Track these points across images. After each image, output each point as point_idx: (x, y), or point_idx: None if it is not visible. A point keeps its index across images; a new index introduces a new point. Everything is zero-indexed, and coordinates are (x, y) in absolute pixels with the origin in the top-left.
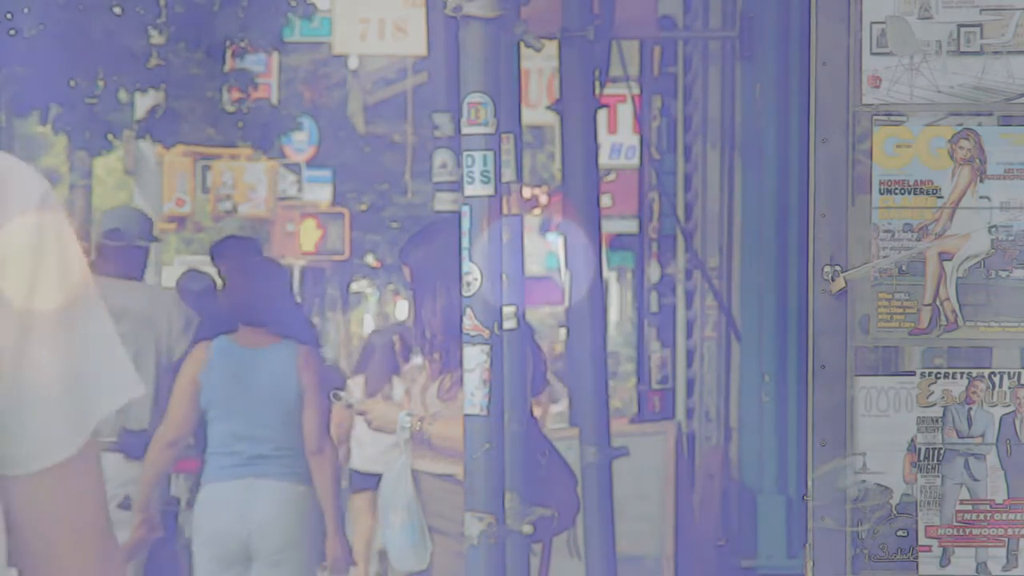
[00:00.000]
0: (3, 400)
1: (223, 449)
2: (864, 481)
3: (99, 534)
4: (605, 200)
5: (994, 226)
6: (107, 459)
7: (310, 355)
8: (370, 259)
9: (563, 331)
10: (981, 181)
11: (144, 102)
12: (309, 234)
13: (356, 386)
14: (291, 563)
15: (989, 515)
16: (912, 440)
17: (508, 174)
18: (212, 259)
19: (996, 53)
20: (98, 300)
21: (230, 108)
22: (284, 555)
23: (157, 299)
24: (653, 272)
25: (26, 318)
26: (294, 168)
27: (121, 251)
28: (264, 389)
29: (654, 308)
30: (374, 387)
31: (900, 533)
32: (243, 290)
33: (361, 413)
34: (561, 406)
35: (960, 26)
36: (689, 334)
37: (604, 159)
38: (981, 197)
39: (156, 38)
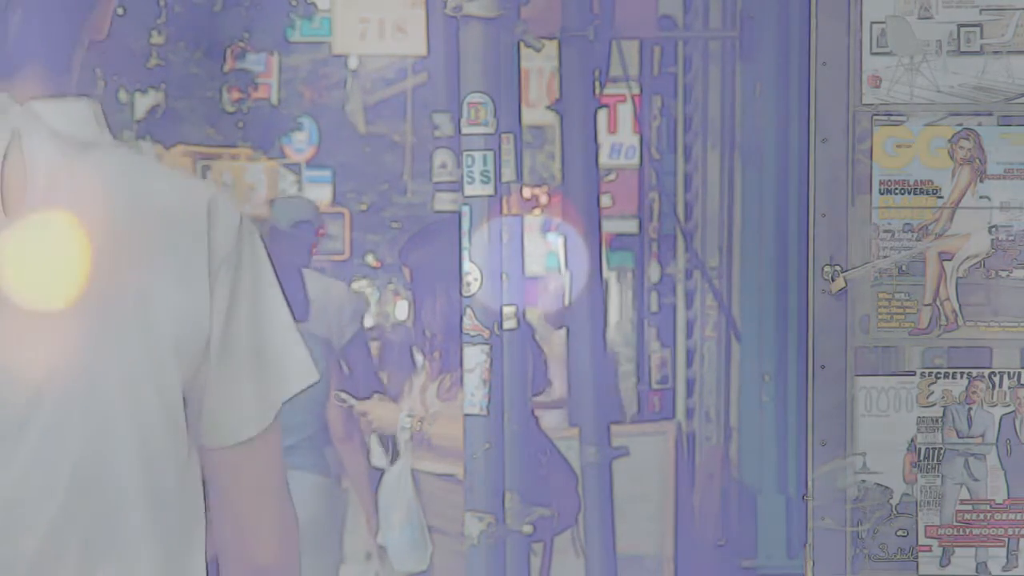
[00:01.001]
0: (208, 380)
1: None
2: (864, 481)
3: (281, 501)
4: (605, 200)
5: (994, 226)
6: None
7: (329, 347)
8: (370, 259)
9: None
10: (981, 181)
11: (144, 102)
12: None
13: None
14: (322, 555)
15: (989, 515)
16: (912, 440)
17: (508, 174)
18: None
19: (996, 53)
20: (280, 296)
21: (230, 108)
22: (313, 547)
23: (329, 288)
24: (653, 272)
25: (230, 311)
26: (294, 168)
27: (295, 240)
28: None
29: (654, 308)
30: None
31: (900, 533)
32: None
33: (362, 414)
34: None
35: (960, 26)
36: (689, 334)
37: (604, 159)
38: (981, 197)
39: (156, 38)
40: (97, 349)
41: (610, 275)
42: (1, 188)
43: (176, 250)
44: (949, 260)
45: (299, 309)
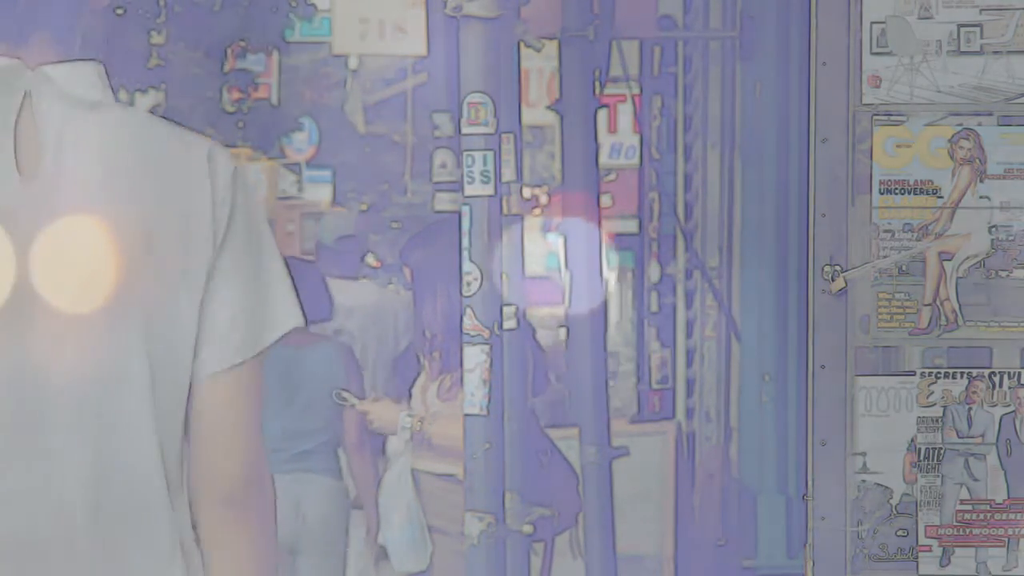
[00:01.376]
0: (202, 307)
1: (274, 445)
2: (864, 481)
3: (253, 436)
4: (605, 200)
5: (994, 226)
6: None
7: (351, 354)
8: (370, 259)
9: (563, 331)
10: (981, 181)
11: (144, 102)
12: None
13: None
14: (332, 556)
15: (989, 515)
16: (912, 440)
17: (508, 174)
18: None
19: (996, 53)
20: (272, 240)
21: (230, 108)
22: (326, 548)
23: (384, 297)
24: (653, 272)
25: (224, 244)
26: (294, 168)
27: (344, 254)
28: (309, 387)
29: (654, 308)
30: None
31: (900, 533)
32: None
33: (363, 413)
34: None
35: (960, 26)
36: (689, 334)
37: (604, 159)
38: (981, 197)
39: (156, 38)
40: (115, 329)
41: (610, 275)
42: (15, 147)
43: (180, 193)
44: (949, 260)
45: (323, 310)
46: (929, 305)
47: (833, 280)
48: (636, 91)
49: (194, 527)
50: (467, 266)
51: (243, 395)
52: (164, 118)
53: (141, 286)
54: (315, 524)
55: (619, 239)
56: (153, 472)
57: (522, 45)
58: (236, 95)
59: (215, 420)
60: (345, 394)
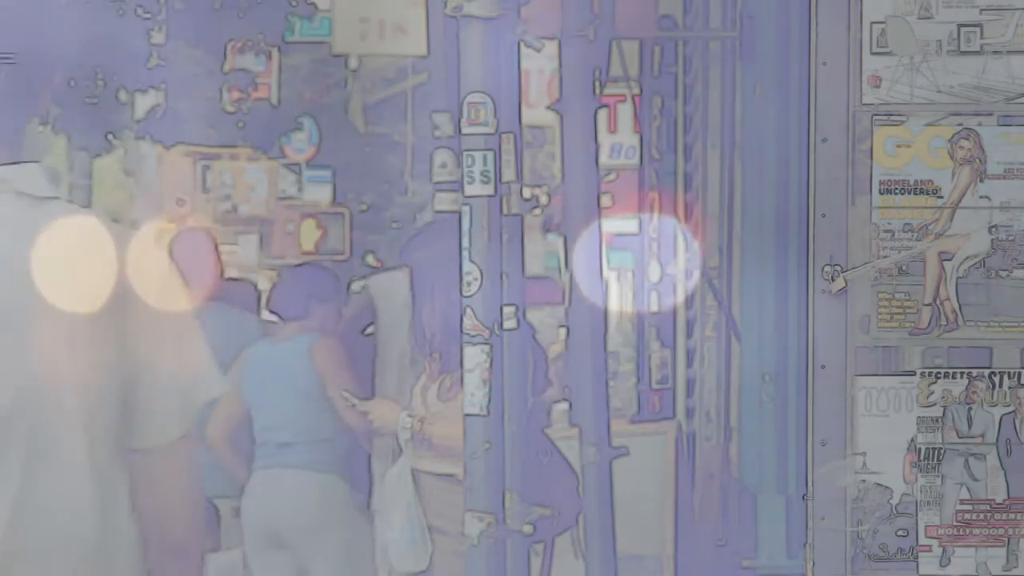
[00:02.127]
0: (138, 386)
1: (259, 439)
2: (864, 481)
3: (198, 504)
4: (605, 200)
5: (994, 226)
6: None
7: (324, 344)
8: (370, 259)
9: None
10: (981, 181)
11: (144, 102)
12: (309, 234)
13: None
14: (319, 550)
15: (989, 515)
16: (912, 440)
17: (508, 174)
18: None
19: (996, 53)
20: (195, 320)
21: (230, 108)
22: (311, 540)
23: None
24: (653, 272)
25: (158, 322)
26: (294, 168)
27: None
28: (283, 380)
29: (654, 308)
30: None
31: (900, 533)
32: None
33: (363, 413)
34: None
35: (960, 26)
36: (689, 334)
37: (604, 159)
38: (981, 197)
39: (156, 38)
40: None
41: (610, 275)
42: None
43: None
44: (949, 260)
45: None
46: (929, 305)
47: (833, 280)
48: (636, 91)
49: None
50: (467, 266)
51: (182, 463)
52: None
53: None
54: (295, 519)
55: (619, 239)
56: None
57: (522, 45)
58: (236, 95)
59: (159, 490)
60: (347, 394)
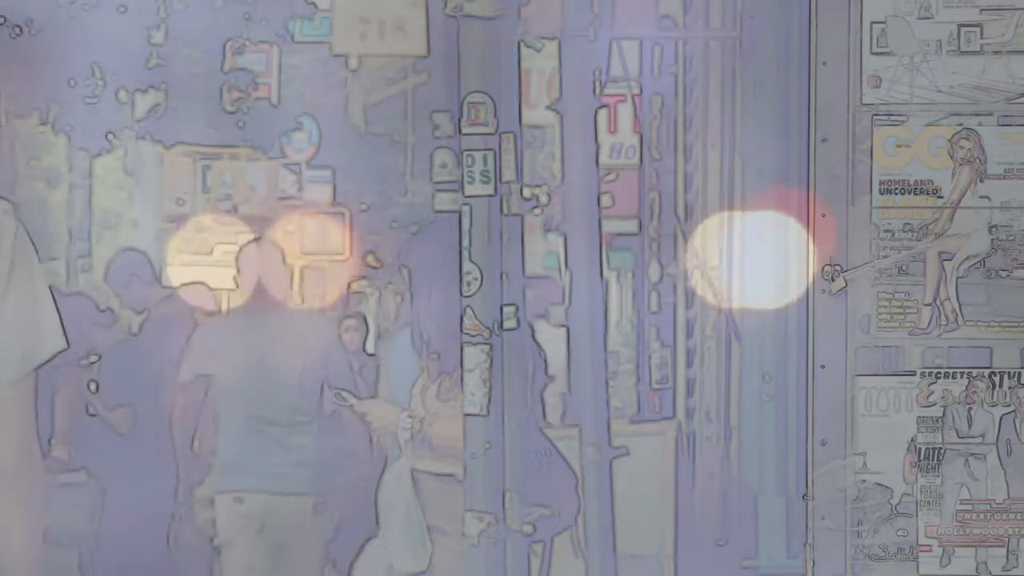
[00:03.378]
0: None
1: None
2: (864, 481)
3: (33, 451)
4: (605, 200)
5: (994, 226)
6: None
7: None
8: (370, 259)
9: (563, 331)
10: (981, 181)
11: (144, 102)
12: (309, 234)
13: None
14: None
15: (989, 515)
16: (912, 440)
17: (508, 174)
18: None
19: (996, 53)
20: (41, 276)
21: (230, 108)
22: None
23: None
24: (653, 272)
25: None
26: (294, 168)
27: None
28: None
29: (654, 308)
30: None
31: (900, 533)
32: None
33: (362, 414)
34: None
35: (960, 26)
36: (689, 334)
37: (604, 159)
38: (981, 197)
39: (156, 37)
40: None
41: (610, 275)
42: None
43: None
44: (949, 260)
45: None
46: (929, 305)
47: (833, 280)
48: (636, 91)
49: None
50: (467, 266)
51: (18, 415)
52: None
53: None
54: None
55: (619, 239)
56: None
57: (522, 45)
58: (236, 95)
59: None
60: (344, 393)
